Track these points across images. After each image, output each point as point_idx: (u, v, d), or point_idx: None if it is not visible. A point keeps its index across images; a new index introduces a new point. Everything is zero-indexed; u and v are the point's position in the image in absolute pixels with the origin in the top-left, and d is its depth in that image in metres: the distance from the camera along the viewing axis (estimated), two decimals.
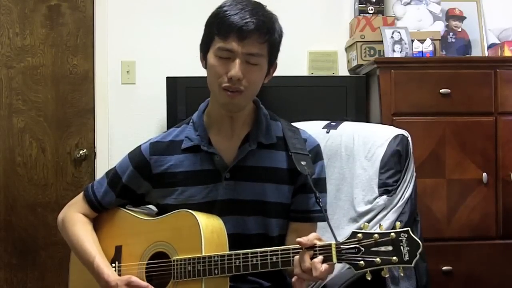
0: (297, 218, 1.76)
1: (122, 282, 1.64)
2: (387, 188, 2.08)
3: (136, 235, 1.74)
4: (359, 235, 1.44)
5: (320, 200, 1.68)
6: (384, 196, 2.07)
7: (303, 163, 1.69)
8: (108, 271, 1.68)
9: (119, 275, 1.71)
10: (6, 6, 3.35)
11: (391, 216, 2.07)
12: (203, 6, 3.37)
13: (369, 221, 2.09)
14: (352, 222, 2.12)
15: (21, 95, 3.36)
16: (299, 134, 1.79)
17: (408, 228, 1.42)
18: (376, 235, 1.42)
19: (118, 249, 1.76)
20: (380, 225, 1.47)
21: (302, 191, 1.75)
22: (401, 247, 1.40)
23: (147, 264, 1.69)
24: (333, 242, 1.47)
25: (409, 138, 2.15)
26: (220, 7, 1.67)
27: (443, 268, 2.89)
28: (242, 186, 1.71)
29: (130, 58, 3.39)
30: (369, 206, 2.08)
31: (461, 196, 2.93)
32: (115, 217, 1.81)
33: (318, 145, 1.81)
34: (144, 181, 1.78)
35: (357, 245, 1.43)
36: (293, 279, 1.50)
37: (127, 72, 3.39)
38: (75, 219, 1.81)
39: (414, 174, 2.15)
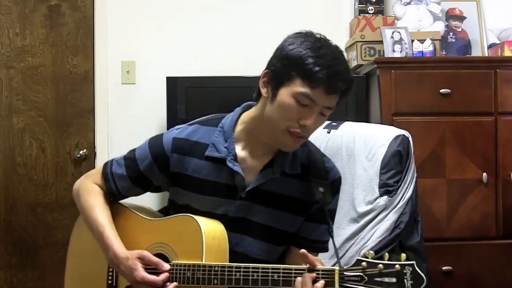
0: (303, 245, 1.69)
1: (134, 256, 1.61)
2: (387, 188, 2.08)
3: (136, 235, 1.73)
4: (364, 263, 1.42)
5: (322, 232, 1.69)
6: (385, 197, 2.07)
7: (321, 189, 1.66)
8: (118, 244, 1.65)
9: (117, 272, 1.71)
10: (6, 6, 3.34)
11: (392, 217, 2.07)
12: (203, 6, 3.41)
13: (369, 221, 2.09)
14: (353, 223, 2.12)
15: (21, 95, 3.36)
16: (324, 162, 1.74)
17: (414, 262, 1.40)
18: (380, 265, 1.40)
19: None
20: (385, 254, 1.44)
21: (312, 220, 1.72)
22: (405, 280, 1.39)
23: None
24: (337, 268, 1.46)
25: (410, 139, 2.15)
26: (309, 47, 1.55)
27: (443, 268, 2.89)
28: (256, 208, 1.68)
29: (130, 58, 3.39)
30: (369, 207, 2.09)
31: (461, 196, 2.93)
32: (118, 214, 1.79)
33: (340, 178, 1.76)
34: (161, 174, 1.73)
35: (361, 274, 1.42)
36: None
37: (127, 72, 3.39)
38: (91, 189, 1.77)
39: (415, 175, 2.15)
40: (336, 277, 1.44)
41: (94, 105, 3.38)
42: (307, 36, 1.59)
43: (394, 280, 1.39)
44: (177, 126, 1.77)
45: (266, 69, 1.63)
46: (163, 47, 3.40)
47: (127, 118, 3.37)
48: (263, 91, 1.62)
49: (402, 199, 2.08)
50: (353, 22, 3.37)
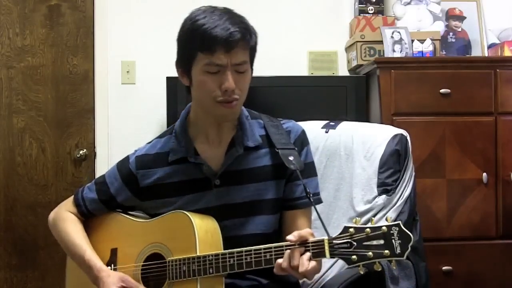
0: (288, 206, 1.75)
1: (116, 277, 1.66)
2: (386, 187, 2.07)
3: (131, 237, 1.75)
4: (351, 229, 1.45)
5: (307, 187, 1.69)
6: (383, 196, 2.07)
7: (291, 158, 1.69)
8: (101, 265, 1.71)
9: None
10: (6, 6, 3.35)
11: (390, 216, 2.06)
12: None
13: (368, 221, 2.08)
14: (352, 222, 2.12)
15: (21, 95, 3.36)
16: (282, 127, 1.78)
17: (399, 222, 1.43)
18: (367, 229, 1.44)
19: (114, 252, 1.76)
20: (371, 220, 1.49)
21: (290, 180, 1.75)
22: (393, 240, 1.42)
23: (143, 265, 1.69)
24: (326, 237, 1.47)
25: (408, 138, 2.15)
26: (193, 21, 1.62)
27: (443, 268, 2.89)
28: (234, 190, 1.71)
29: (130, 58, 3.40)
30: (368, 206, 2.08)
31: (461, 196, 2.93)
32: (110, 220, 1.82)
33: (303, 131, 1.80)
34: (131, 195, 1.78)
35: (349, 240, 1.45)
36: (276, 267, 1.50)
37: (127, 72, 3.39)
38: (66, 217, 1.83)
39: (413, 174, 2.15)
40: (326, 246, 1.47)
41: (94, 105, 3.39)
42: (193, 13, 1.65)
43: (382, 242, 1.42)
44: (139, 147, 1.86)
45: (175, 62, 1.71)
46: (163, 47, 3.38)
47: (127, 118, 3.38)
48: (183, 81, 1.70)
49: (401, 198, 2.07)
50: (353, 22, 3.37)
